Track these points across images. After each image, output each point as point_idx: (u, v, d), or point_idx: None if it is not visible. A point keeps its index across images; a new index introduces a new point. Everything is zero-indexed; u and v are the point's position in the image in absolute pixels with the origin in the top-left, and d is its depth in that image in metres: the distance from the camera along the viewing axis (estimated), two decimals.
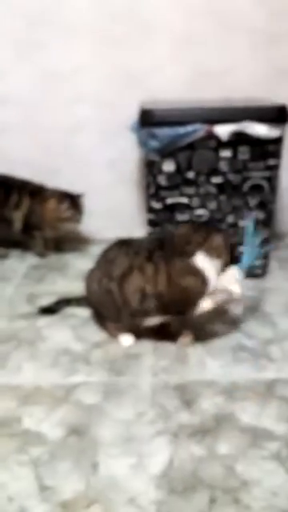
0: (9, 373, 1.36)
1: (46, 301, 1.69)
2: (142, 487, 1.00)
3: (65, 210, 1.98)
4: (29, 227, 2.05)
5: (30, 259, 2.09)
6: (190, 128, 1.61)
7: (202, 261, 1.35)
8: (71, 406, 1.23)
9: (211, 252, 1.37)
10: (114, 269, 1.38)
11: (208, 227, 1.47)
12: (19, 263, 2.06)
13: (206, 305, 1.37)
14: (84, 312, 1.63)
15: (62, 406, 1.22)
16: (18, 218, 2.03)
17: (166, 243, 1.40)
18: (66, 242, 2.17)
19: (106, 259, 1.44)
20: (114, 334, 1.49)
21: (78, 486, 1.00)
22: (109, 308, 1.42)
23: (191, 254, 1.35)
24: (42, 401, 1.24)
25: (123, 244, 1.44)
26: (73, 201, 1.99)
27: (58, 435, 1.13)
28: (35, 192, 2.01)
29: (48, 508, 0.96)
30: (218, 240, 1.38)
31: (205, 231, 1.40)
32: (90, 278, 1.48)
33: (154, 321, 1.40)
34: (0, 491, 1.00)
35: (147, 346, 1.46)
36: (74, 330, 1.54)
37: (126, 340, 1.47)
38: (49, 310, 1.64)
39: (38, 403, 1.23)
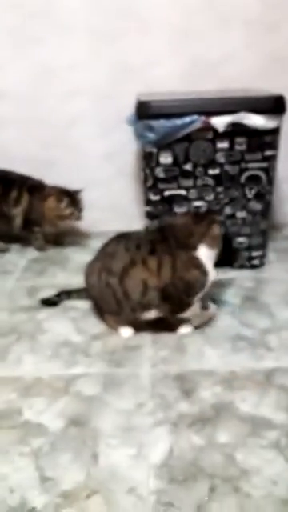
0: (9, 365, 1.34)
1: (47, 294, 1.67)
2: (142, 477, 0.99)
3: (64, 208, 1.95)
4: (28, 223, 2.03)
5: (30, 253, 2.07)
6: (186, 119, 1.57)
7: (204, 253, 1.34)
8: (71, 397, 1.21)
9: (211, 243, 1.36)
10: (113, 263, 1.36)
11: (205, 216, 1.44)
12: (19, 257, 2.03)
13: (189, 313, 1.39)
14: (84, 304, 1.61)
15: (63, 397, 1.21)
16: (17, 214, 2.01)
17: (167, 235, 1.38)
18: (66, 236, 2.15)
19: (105, 253, 1.42)
20: (113, 326, 1.47)
21: (78, 477, 0.99)
22: (108, 301, 1.40)
23: (194, 246, 1.34)
24: (42, 392, 1.23)
25: (122, 238, 1.41)
26: (72, 198, 1.96)
27: (58, 426, 1.12)
28: (34, 188, 1.99)
29: (49, 499, 0.94)
30: (216, 230, 1.37)
31: (205, 222, 1.37)
32: (89, 271, 1.46)
33: (153, 314, 1.38)
34: (1, 482, 0.98)
35: (146, 337, 1.44)
36: (73, 323, 1.52)
37: (126, 331, 1.45)
38: (50, 302, 1.62)
39: (38, 395, 1.22)
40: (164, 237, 1.38)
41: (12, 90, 1.95)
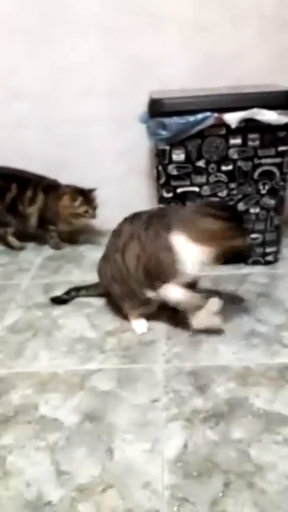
0: (26, 361, 1.35)
1: (62, 291, 1.68)
2: (156, 472, 0.98)
3: (78, 206, 1.95)
4: (43, 222, 2.04)
5: (46, 251, 2.08)
6: (199, 116, 1.56)
7: (181, 241, 1.27)
8: (87, 392, 1.21)
9: (195, 236, 1.26)
10: (119, 240, 1.39)
11: (218, 210, 1.31)
12: (35, 255, 2.05)
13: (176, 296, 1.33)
14: (98, 301, 1.61)
15: (78, 392, 1.21)
16: (32, 213, 2.02)
17: (167, 214, 1.37)
18: (80, 234, 2.15)
19: (114, 233, 1.44)
20: (129, 315, 1.47)
21: (93, 471, 0.99)
22: (118, 283, 1.41)
23: (169, 230, 1.29)
24: (58, 388, 1.23)
25: (133, 216, 1.42)
26: (86, 196, 1.96)
27: (73, 421, 1.12)
28: (49, 187, 2.00)
29: (64, 493, 0.95)
30: (207, 225, 1.27)
31: (199, 212, 1.31)
32: (102, 261, 1.48)
33: (152, 294, 1.37)
34: (18, 476, 0.99)
35: (160, 333, 1.43)
36: (88, 319, 1.53)
37: (140, 327, 1.45)
38: (59, 300, 1.63)
39: (54, 390, 1.23)
40: (163, 215, 1.36)
41: (27, 90, 1.96)
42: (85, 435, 1.08)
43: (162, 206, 1.69)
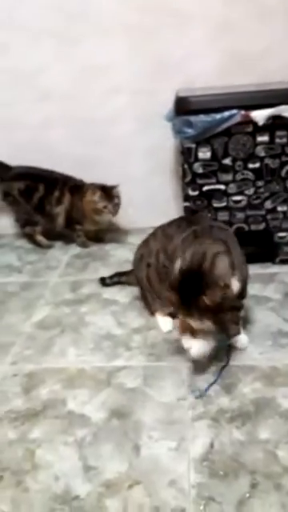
0: (54, 357, 1.36)
1: (88, 289, 1.70)
2: (182, 470, 0.98)
3: (98, 201, 1.94)
4: (70, 222, 2.05)
5: (73, 249, 2.10)
6: (225, 114, 1.54)
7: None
8: (113, 389, 1.22)
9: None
10: (167, 242, 1.38)
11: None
12: (63, 253, 2.07)
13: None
14: (124, 298, 1.62)
15: (105, 389, 1.22)
16: (60, 212, 2.04)
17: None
18: (106, 233, 2.16)
19: (163, 233, 1.43)
20: (157, 312, 1.47)
21: (120, 467, 0.99)
22: (153, 281, 1.42)
23: None
24: (85, 384, 1.24)
25: (183, 223, 1.40)
26: (106, 192, 1.94)
27: (101, 417, 1.13)
28: (75, 188, 2.01)
29: (92, 488, 0.96)
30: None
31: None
32: (140, 257, 1.48)
33: None
34: (47, 470, 1.00)
35: None
36: (114, 316, 1.53)
37: (166, 325, 1.44)
38: (104, 283, 1.71)
39: (81, 386, 1.23)
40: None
41: (56, 91, 1.97)
42: (112, 431, 1.09)
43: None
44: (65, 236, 2.14)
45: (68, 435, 1.09)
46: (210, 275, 1.10)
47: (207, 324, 1.11)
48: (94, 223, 2.04)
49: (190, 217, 1.44)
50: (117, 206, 1.96)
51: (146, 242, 1.49)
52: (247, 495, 0.91)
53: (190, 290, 1.09)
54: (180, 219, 1.47)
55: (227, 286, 1.10)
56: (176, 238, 1.33)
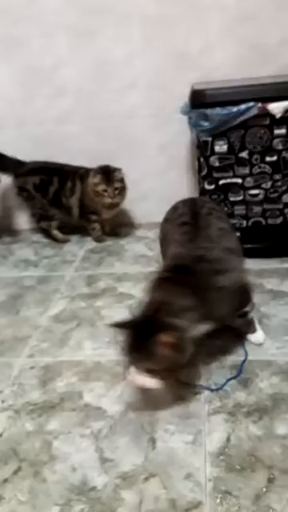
0: (70, 350, 1.37)
1: (104, 283, 1.70)
2: (199, 464, 0.97)
3: (97, 183, 1.91)
4: (84, 211, 2.05)
5: (89, 244, 2.10)
6: (242, 106, 1.52)
7: None
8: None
9: None
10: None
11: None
12: (79, 248, 2.08)
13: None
14: (139, 293, 1.61)
15: (121, 382, 1.22)
16: (74, 203, 2.04)
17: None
18: (121, 228, 2.16)
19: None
20: None
21: (136, 460, 1.00)
22: None
23: None
24: (101, 377, 1.25)
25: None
26: (106, 175, 1.90)
27: (117, 410, 1.13)
28: (85, 175, 2.00)
29: (108, 479, 0.96)
30: None
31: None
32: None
33: None
34: (64, 461, 1.01)
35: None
36: (130, 310, 1.53)
37: None
38: None
39: (97, 379, 1.24)
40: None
41: (72, 86, 1.97)
42: (128, 424, 1.09)
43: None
44: (80, 230, 2.15)
45: (84, 427, 1.09)
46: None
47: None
48: (103, 208, 1.99)
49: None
50: (117, 190, 1.92)
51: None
52: (264, 490, 0.90)
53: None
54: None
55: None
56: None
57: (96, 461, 1.00)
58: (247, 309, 1.24)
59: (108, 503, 0.92)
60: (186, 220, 1.27)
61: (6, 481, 0.98)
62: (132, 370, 1.01)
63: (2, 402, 1.19)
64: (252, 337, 1.31)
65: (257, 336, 1.31)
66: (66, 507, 0.92)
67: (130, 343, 1.01)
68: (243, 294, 1.21)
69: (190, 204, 1.36)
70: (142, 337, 0.99)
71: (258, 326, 1.32)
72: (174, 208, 1.39)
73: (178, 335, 0.98)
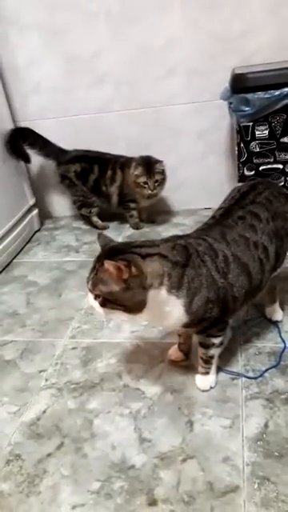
0: (110, 332, 1.37)
1: None
2: (236, 448, 0.95)
3: (139, 175, 1.89)
4: (123, 199, 2.04)
5: (126, 230, 2.09)
6: (285, 90, 1.44)
7: None
8: (167, 365, 1.20)
9: None
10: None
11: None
12: (117, 234, 2.07)
13: None
14: None
15: (159, 364, 1.21)
16: (114, 191, 2.03)
17: None
18: (159, 214, 2.13)
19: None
20: None
21: (174, 441, 0.99)
22: None
23: None
24: (140, 359, 1.24)
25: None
26: (147, 168, 1.87)
27: (155, 392, 1.12)
28: (125, 164, 1.98)
29: (147, 459, 0.96)
30: None
31: None
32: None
33: None
34: (104, 439, 1.02)
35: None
36: None
37: None
38: None
39: (136, 361, 1.23)
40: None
41: (112, 73, 1.94)
42: (166, 406, 1.08)
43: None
44: (119, 217, 2.14)
45: (124, 407, 1.09)
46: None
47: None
48: (143, 198, 1.97)
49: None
50: (157, 183, 1.89)
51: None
52: None
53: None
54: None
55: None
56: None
57: (135, 440, 1.00)
58: (214, 341, 1.06)
59: (147, 482, 0.91)
60: (223, 205, 1.20)
61: (49, 455, 1.00)
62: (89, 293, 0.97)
63: (46, 380, 1.22)
64: (198, 378, 1.12)
65: (203, 380, 1.11)
66: (106, 483, 0.92)
67: (92, 266, 0.96)
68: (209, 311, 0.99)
69: (244, 192, 1.19)
70: (100, 261, 0.92)
71: (213, 370, 1.11)
72: (251, 186, 1.22)
73: (127, 270, 0.87)
